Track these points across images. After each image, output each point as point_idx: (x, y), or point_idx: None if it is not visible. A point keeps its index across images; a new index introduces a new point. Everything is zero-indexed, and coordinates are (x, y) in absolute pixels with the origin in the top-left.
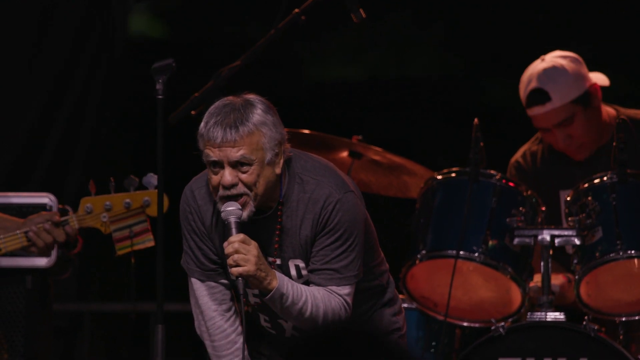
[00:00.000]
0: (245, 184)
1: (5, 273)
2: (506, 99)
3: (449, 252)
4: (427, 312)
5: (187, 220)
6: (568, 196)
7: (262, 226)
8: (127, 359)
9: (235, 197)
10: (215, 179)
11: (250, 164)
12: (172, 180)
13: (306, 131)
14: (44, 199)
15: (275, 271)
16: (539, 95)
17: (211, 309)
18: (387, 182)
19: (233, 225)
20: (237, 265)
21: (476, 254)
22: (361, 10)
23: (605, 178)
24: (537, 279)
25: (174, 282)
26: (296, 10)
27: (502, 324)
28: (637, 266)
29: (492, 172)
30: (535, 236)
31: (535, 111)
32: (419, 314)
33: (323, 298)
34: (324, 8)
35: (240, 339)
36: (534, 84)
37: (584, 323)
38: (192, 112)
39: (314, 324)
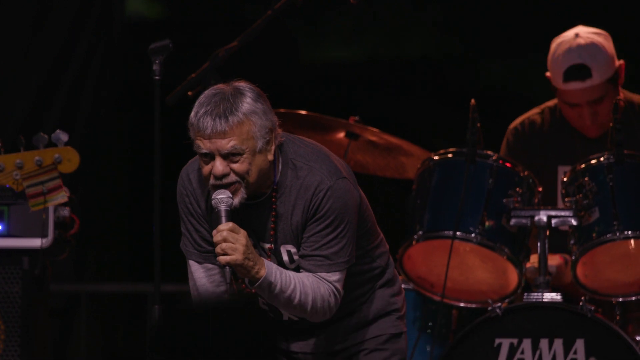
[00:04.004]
0: (237, 173)
1: (2, 254)
2: (503, 79)
3: (446, 232)
4: (424, 292)
5: (184, 203)
6: (565, 176)
7: (256, 212)
8: (124, 339)
9: (226, 186)
10: (206, 168)
11: (241, 154)
12: (169, 160)
13: (303, 112)
14: None
15: (265, 260)
16: (580, 71)
17: (208, 291)
18: (384, 163)
19: (223, 214)
20: (225, 254)
21: (473, 235)
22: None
23: (602, 159)
24: (533, 259)
25: (171, 263)
26: None
27: (499, 304)
28: (633, 247)
29: (489, 152)
30: (532, 217)
31: (573, 86)
32: (416, 294)
33: (312, 285)
34: None
35: None
36: (575, 60)
37: (581, 304)
38: (189, 93)
39: (303, 311)
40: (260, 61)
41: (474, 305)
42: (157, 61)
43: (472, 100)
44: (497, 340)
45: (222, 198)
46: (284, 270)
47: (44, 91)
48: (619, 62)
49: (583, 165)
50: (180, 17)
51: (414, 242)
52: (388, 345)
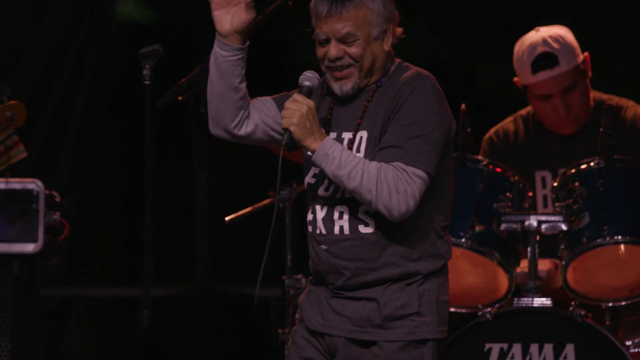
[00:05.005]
0: (351, 56)
1: None
2: (494, 84)
3: None
4: None
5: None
6: (555, 181)
7: (352, 101)
8: (114, 343)
9: (340, 69)
10: (322, 50)
11: (356, 39)
12: (160, 165)
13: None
14: (31, 184)
15: (327, 136)
16: (548, 60)
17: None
18: None
19: (304, 90)
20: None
21: (463, 240)
22: None
23: (592, 163)
24: (524, 264)
25: (161, 267)
26: None
27: (489, 309)
28: (624, 251)
29: (480, 157)
30: (522, 222)
31: (542, 76)
32: None
33: (379, 167)
34: None
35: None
36: (541, 49)
37: (571, 309)
38: (179, 98)
39: (368, 192)
40: (253, 64)
41: (464, 310)
42: (147, 66)
43: (463, 105)
44: (487, 345)
45: (308, 76)
46: (348, 150)
47: (36, 95)
48: (583, 55)
49: (573, 170)
50: (170, 21)
51: None
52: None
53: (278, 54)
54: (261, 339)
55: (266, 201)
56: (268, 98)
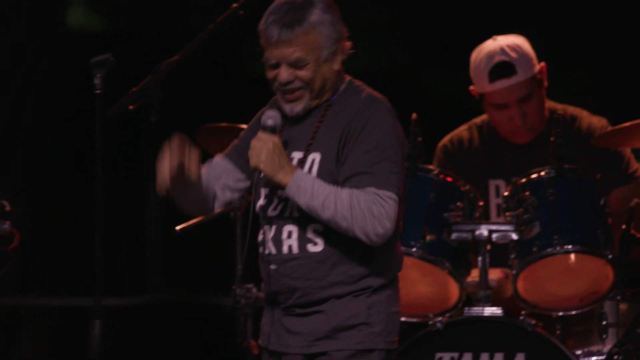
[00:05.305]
0: (302, 80)
1: None
2: (444, 93)
3: None
4: None
5: (249, 128)
6: (506, 191)
7: (301, 122)
8: (67, 353)
9: (291, 91)
10: (272, 73)
11: (306, 63)
12: (111, 174)
13: (245, 126)
14: None
15: (298, 169)
16: (505, 69)
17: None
18: None
19: (267, 129)
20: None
21: (414, 249)
22: None
23: (543, 173)
24: (474, 274)
25: (112, 277)
26: (235, 5)
27: (440, 318)
28: (574, 261)
29: (430, 167)
30: (473, 231)
31: (500, 85)
32: None
33: (351, 193)
34: (264, 2)
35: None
36: (498, 58)
37: (522, 318)
38: (130, 107)
39: (344, 219)
40: (204, 75)
41: (414, 320)
42: (98, 75)
43: (414, 115)
44: (438, 355)
45: (271, 114)
46: (319, 180)
47: None
48: (540, 65)
49: (524, 180)
50: (121, 30)
51: None
52: None
53: (231, 63)
54: (213, 348)
55: (217, 210)
56: (218, 159)
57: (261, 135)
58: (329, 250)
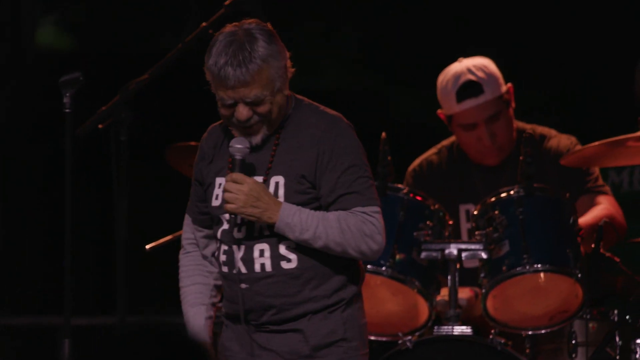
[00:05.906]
0: (261, 115)
1: None
2: (414, 112)
3: None
4: None
5: (196, 164)
6: (475, 210)
7: (260, 147)
8: None
9: (250, 127)
10: (227, 111)
11: (264, 98)
12: (80, 192)
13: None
14: None
15: (284, 204)
16: (472, 88)
17: (189, 248)
18: None
19: (236, 163)
20: (227, 203)
21: (383, 268)
22: (268, 24)
23: (512, 192)
24: (444, 292)
25: (82, 296)
26: (204, 24)
27: (409, 337)
28: (543, 280)
29: (400, 186)
30: (443, 250)
31: (467, 104)
32: None
33: (339, 218)
34: (232, 21)
35: (202, 286)
36: (465, 77)
37: (491, 337)
38: (100, 126)
39: (338, 245)
40: (173, 94)
41: (384, 339)
42: (67, 94)
43: (383, 134)
44: None
45: (238, 148)
46: (306, 210)
47: None
48: (507, 85)
49: (493, 199)
50: (91, 49)
51: None
52: None
53: (200, 82)
54: None
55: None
56: (192, 230)
57: (235, 176)
58: (303, 266)
